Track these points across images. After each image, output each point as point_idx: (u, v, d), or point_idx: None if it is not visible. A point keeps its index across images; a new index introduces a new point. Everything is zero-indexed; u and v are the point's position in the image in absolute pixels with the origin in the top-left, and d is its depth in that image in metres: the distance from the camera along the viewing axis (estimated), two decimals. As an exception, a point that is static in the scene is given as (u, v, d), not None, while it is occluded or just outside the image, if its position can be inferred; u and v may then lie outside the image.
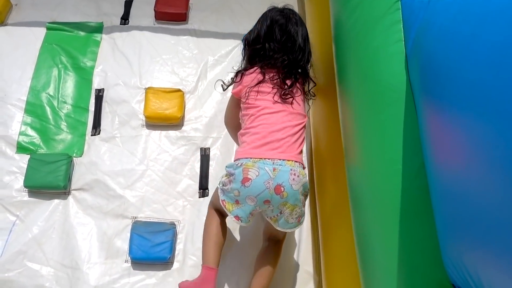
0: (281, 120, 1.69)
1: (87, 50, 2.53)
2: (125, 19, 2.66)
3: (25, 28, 2.60)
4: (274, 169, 1.61)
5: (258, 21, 1.88)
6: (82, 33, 2.58)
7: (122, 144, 2.29)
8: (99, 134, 2.31)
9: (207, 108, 2.39)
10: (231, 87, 1.87)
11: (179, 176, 2.24)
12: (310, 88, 1.86)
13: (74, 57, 2.50)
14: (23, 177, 2.16)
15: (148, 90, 2.35)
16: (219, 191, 1.73)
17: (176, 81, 2.45)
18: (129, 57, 2.50)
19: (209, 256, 1.78)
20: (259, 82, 1.74)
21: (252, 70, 1.79)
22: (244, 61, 1.93)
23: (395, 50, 1.22)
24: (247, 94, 1.75)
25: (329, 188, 1.87)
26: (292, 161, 1.64)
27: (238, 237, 2.09)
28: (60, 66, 2.46)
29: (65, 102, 2.38)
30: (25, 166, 2.18)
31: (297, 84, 1.77)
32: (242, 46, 1.95)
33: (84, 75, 2.45)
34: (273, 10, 1.87)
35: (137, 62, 2.48)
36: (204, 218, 1.88)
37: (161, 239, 2.02)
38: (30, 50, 2.51)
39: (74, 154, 2.26)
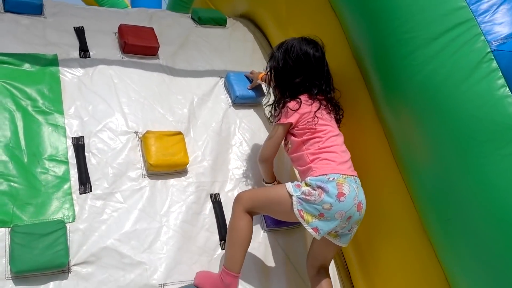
0: (342, 141, 1.87)
1: (46, 89, 2.04)
2: (84, 50, 2.24)
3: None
4: (357, 187, 1.74)
5: (288, 53, 1.92)
6: (34, 67, 2.07)
7: (125, 200, 1.92)
8: (90, 191, 1.89)
9: (206, 150, 2.20)
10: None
11: (196, 229, 2.00)
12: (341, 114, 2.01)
13: (32, 98, 1.98)
14: (4, 260, 1.60)
15: (146, 134, 2.03)
16: (295, 200, 1.71)
17: (167, 123, 2.18)
18: (104, 96, 2.12)
19: (237, 262, 1.76)
20: (318, 109, 1.85)
21: (304, 98, 1.88)
22: (277, 93, 2.01)
23: (502, 94, 1.44)
24: (306, 121, 1.83)
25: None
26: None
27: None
28: (16, 109, 1.92)
29: (34, 155, 1.87)
30: (3, 244, 1.63)
31: None
32: (268, 78, 2.08)
33: (52, 120, 1.97)
34: (303, 43, 1.93)
35: (116, 103, 2.12)
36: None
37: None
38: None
39: (65, 220, 1.78)
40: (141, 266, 1.81)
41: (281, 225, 2.10)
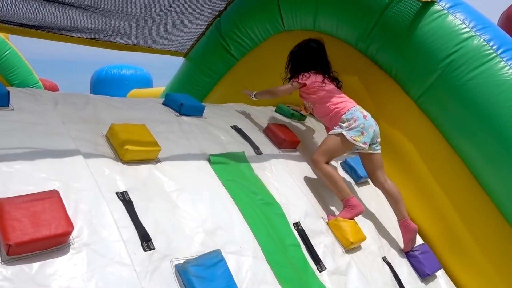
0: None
1: (252, 182, 2.28)
2: (256, 148, 2.54)
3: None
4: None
5: (301, 47, 2.88)
6: (236, 164, 2.30)
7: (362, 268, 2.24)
8: (325, 269, 2.17)
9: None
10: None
11: None
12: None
13: (254, 192, 2.21)
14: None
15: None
16: (345, 133, 2.53)
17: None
18: (292, 186, 2.45)
19: (347, 189, 2.50)
20: (324, 78, 2.78)
21: (313, 72, 2.78)
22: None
23: None
24: (317, 84, 2.72)
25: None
26: None
27: None
28: (253, 203, 2.13)
29: (281, 242, 2.08)
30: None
31: None
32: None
33: (275, 210, 2.21)
34: (310, 41, 2.89)
35: (305, 190, 2.47)
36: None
37: None
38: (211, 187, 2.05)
39: (325, 296, 2.03)
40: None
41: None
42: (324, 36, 3.36)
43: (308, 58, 2.84)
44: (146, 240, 1.65)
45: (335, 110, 2.66)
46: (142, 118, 2.26)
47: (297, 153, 2.76)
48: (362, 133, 2.56)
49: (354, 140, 2.53)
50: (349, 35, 3.18)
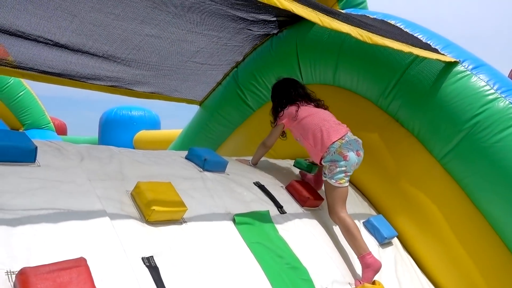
0: (325, 115, 2.75)
1: (277, 245, 2.19)
2: (280, 207, 2.47)
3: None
4: (350, 142, 2.59)
5: (276, 86, 2.96)
6: (261, 224, 2.22)
7: None
8: None
9: None
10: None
11: None
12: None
13: (279, 255, 2.12)
14: None
15: None
16: (331, 181, 2.49)
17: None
18: (318, 248, 2.36)
19: (364, 245, 2.38)
20: (298, 107, 2.77)
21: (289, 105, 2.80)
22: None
23: None
24: (292, 116, 2.74)
25: None
26: None
27: None
28: (279, 268, 2.03)
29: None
30: None
31: None
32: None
33: (301, 275, 2.11)
34: (287, 80, 2.96)
35: (331, 253, 2.39)
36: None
37: None
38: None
39: None
40: None
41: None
42: (343, 91, 3.37)
43: (279, 95, 2.88)
44: (173, 313, 1.55)
45: (316, 149, 2.62)
46: (167, 174, 2.21)
47: (321, 210, 2.69)
48: (346, 174, 2.52)
49: (340, 183, 2.50)
50: (369, 91, 3.18)
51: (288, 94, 2.82)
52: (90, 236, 1.61)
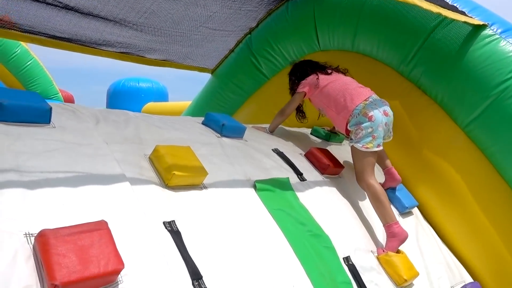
0: (347, 80, 2.72)
1: (299, 212, 2.13)
2: (300, 174, 2.40)
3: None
4: (375, 103, 2.54)
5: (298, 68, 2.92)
6: (281, 191, 2.15)
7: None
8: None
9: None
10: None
11: None
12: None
13: (301, 223, 2.06)
14: None
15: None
16: (357, 145, 2.41)
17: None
18: (339, 216, 2.30)
19: (391, 214, 2.33)
20: (317, 77, 2.73)
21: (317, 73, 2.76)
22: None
23: None
24: (314, 84, 2.71)
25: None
26: None
27: None
28: (301, 235, 1.98)
29: (332, 280, 1.92)
30: None
31: None
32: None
33: (324, 243, 2.06)
34: (304, 62, 2.96)
35: (352, 221, 2.32)
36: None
37: None
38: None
39: None
40: None
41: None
42: (363, 57, 3.24)
43: (303, 68, 2.86)
44: (197, 278, 1.50)
45: (341, 116, 2.55)
46: (185, 138, 2.13)
47: (341, 179, 2.61)
48: (373, 137, 2.41)
49: (367, 148, 2.40)
50: (390, 58, 3.05)
51: (305, 70, 2.82)
52: (110, 200, 1.55)
